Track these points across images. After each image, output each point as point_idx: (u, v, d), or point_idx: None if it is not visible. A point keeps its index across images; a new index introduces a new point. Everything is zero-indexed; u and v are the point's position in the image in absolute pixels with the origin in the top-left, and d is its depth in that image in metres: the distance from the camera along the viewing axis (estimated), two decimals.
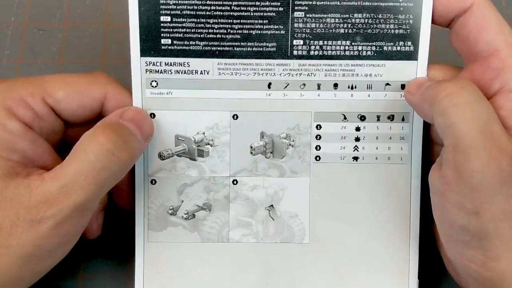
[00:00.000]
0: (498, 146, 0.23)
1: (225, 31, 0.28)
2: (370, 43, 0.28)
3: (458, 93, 0.24)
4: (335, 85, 0.29)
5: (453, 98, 0.24)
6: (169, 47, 0.28)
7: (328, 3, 0.28)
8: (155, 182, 0.30)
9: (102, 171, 0.24)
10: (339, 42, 0.28)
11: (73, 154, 0.25)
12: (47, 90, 0.27)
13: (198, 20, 0.28)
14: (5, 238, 0.24)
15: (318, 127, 0.30)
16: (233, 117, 0.29)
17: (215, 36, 0.28)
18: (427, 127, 0.30)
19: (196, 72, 0.29)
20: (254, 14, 0.28)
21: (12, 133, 0.25)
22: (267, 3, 0.28)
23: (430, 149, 0.30)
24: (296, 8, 0.28)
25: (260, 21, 0.28)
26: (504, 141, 0.24)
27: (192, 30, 0.28)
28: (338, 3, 0.28)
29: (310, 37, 0.28)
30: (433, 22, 0.28)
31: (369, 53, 0.29)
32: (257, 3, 0.28)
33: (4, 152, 0.25)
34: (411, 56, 0.29)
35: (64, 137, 0.29)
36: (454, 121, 0.24)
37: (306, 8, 0.28)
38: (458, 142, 0.24)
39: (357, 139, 0.30)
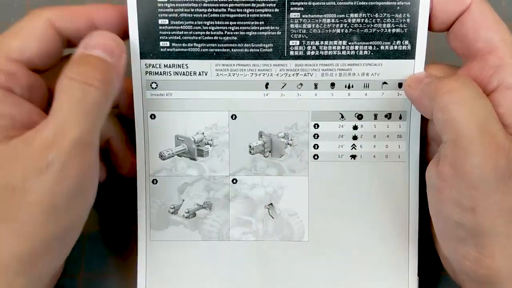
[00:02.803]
0: (496, 143, 0.24)
1: (222, 33, 0.28)
2: (366, 43, 0.29)
3: (459, 89, 0.24)
4: (332, 85, 0.29)
5: (454, 94, 0.24)
6: (168, 50, 0.29)
7: (324, 3, 0.28)
8: (156, 181, 0.30)
9: (86, 102, 0.25)
10: (335, 42, 0.29)
11: (55, 98, 0.25)
12: (4, 48, 0.26)
13: (195, 23, 0.28)
14: (22, 195, 0.24)
15: (316, 126, 0.30)
16: (231, 117, 0.30)
17: (212, 38, 0.28)
18: (424, 125, 0.30)
19: (195, 73, 0.29)
20: (250, 15, 0.28)
21: None
22: (263, 5, 0.28)
23: (426, 147, 0.30)
24: (291, 9, 0.28)
25: (256, 23, 0.28)
26: (502, 139, 0.24)
27: (190, 33, 0.28)
28: (334, 3, 0.28)
29: (306, 37, 0.28)
30: (433, 30, 0.28)
31: (365, 52, 0.29)
32: (253, 4, 0.28)
33: None
34: (409, 54, 0.29)
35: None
36: (454, 117, 0.24)
37: (302, 8, 0.28)
38: (457, 138, 0.24)
39: (355, 138, 0.30)
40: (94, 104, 0.25)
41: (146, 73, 0.29)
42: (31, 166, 0.24)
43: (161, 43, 0.29)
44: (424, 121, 0.30)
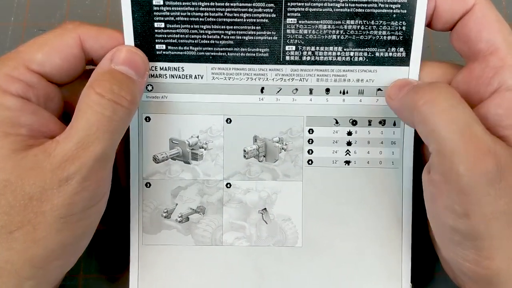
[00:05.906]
0: (482, 148, 0.23)
1: (219, 37, 0.28)
2: (362, 49, 0.29)
3: (435, 99, 0.24)
4: (327, 90, 0.29)
5: (431, 105, 0.24)
6: (164, 52, 0.29)
7: (321, 9, 0.28)
8: (150, 185, 0.30)
9: (111, 119, 0.25)
10: (331, 48, 0.29)
11: (78, 111, 0.25)
12: (26, 58, 0.26)
13: (192, 26, 0.28)
14: (39, 206, 0.24)
15: (310, 131, 0.30)
16: (226, 121, 0.30)
17: (208, 41, 0.28)
18: None
19: (190, 76, 0.29)
20: (247, 20, 0.28)
21: (12, 109, 0.25)
22: (260, 10, 0.28)
23: (422, 151, 0.30)
24: (288, 14, 0.28)
25: (252, 27, 0.28)
26: (487, 142, 0.24)
27: (186, 36, 0.28)
28: (331, 10, 0.28)
29: (302, 43, 0.29)
30: (436, 29, 0.28)
31: (360, 58, 0.29)
32: (250, 9, 0.28)
33: (11, 129, 0.25)
34: (403, 62, 0.29)
35: (68, 109, 0.29)
36: (434, 128, 0.24)
37: (299, 14, 0.28)
38: (441, 148, 0.24)
39: (349, 144, 0.30)
40: (120, 122, 0.25)
41: None
42: (50, 177, 0.24)
43: (157, 46, 0.28)
44: None
